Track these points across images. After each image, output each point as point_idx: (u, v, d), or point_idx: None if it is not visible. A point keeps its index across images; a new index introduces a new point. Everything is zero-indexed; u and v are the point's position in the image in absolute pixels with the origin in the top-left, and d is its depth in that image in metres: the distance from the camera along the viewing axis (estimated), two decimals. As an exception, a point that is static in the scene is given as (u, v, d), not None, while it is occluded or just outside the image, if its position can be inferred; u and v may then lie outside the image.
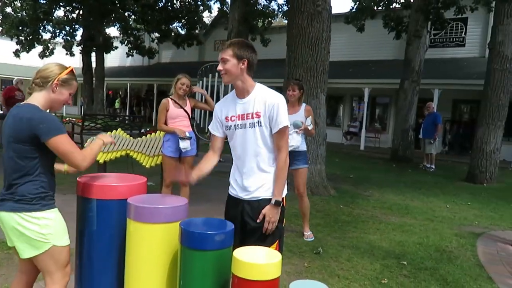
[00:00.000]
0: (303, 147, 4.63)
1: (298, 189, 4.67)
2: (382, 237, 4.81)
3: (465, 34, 16.39)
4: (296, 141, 4.46)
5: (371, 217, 5.68)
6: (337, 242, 4.53)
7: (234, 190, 2.39)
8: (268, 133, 2.27)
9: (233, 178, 2.41)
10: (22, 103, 2.12)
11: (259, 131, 2.27)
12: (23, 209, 2.00)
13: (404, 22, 13.76)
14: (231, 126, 2.34)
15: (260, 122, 2.25)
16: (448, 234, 5.09)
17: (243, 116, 2.29)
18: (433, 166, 10.89)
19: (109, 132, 5.69)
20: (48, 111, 2.13)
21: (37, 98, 2.10)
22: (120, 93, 27.17)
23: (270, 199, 2.28)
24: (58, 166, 2.31)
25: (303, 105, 4.70)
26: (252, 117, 2.27)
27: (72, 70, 2.19)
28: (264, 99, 2.25)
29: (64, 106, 1.95)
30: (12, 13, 20.01)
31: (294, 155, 4.53)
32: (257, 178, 2.30)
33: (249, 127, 2.28)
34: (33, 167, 2.03)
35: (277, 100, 2.24)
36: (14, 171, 2.03)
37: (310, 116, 4.61)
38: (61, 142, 2.01)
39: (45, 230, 2.03)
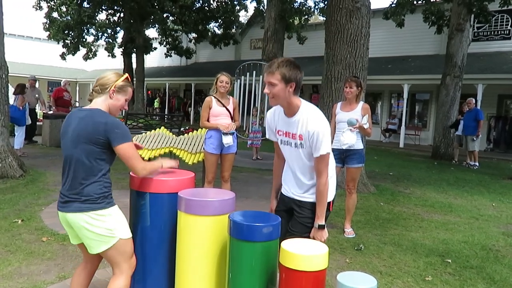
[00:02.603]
0: (359, 146, 4.49)
1: (348, 185, 4.65)
2: (424, 234, 4.74)
3: (511, 26, 15.72)
4: (350, 139, 4.32)
5: (412, 215, 5.59)
6: (378, 239, 4.51)
7: (285, 191, 2.53)
8: (311, 153, 2.30)
9: (284, 178, 2.54)
10: (86, 107, 2.25)
11: (301, 152, 2.32)
12: (90, 209, 2.12)
13: (446, 15, 13.35)
14: (279, 139, 2.45)
15: (303, 145, 2.29)
16: (494, 232, 4.95)
17: (288, 134, 2.35)
18: (477, 164, 10.54)
19: (153, 130, 5.89)
20: None
21: (99, 104, 2.23)
22: (159, 93, 27.84)
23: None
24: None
25: (361, 103, 4.55)
26: (295, 138, 2.30)
27: (127, 78, 2.32)
28: (306, 125, 2.23)
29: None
30: (58, 17, 20.93)
31: (349, 154, 4.48)
32: (304, 187, 2.40)
33: (294, 146, 2.34)
34: (99, 168, 2.16)
35: (317, 128, 2.20)
36: (80, 172, 2.14)
37: (367, 115, 4.45)
38: (129, 148, 2.18)
39: (112, 226, 2.17)
